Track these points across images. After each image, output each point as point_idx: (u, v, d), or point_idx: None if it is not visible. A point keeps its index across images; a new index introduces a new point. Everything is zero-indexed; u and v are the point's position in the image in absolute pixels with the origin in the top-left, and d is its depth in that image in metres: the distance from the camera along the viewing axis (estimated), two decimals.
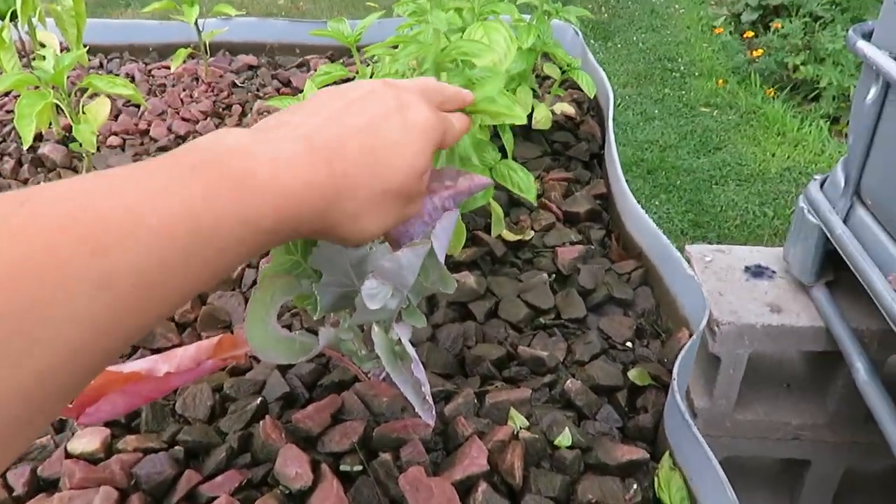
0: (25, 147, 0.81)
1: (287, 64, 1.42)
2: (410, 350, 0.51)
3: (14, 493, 0.52)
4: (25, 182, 0.99)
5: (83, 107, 0.90)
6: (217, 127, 1.13)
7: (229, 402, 0.62)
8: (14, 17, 1.00)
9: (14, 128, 1.13)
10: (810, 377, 1.28)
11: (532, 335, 0.70)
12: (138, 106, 1.18)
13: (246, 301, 0.74)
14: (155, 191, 0.28)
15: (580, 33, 1.29)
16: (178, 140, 1.10)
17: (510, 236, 0.82)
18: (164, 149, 1.08)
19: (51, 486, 0.53)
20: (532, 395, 0.61)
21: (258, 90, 1.27)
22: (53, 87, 0.86)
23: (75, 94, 0.94)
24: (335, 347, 0.57)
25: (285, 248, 0.51)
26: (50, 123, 1.06)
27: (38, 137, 1.11)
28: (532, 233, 0.83)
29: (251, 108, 1.20)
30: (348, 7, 4.78)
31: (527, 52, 1.00)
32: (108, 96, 0.97)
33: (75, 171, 1.02)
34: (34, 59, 0.95)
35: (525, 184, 0.70)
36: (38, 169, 1.03)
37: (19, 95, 1.18)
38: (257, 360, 0.68)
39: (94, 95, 0.98)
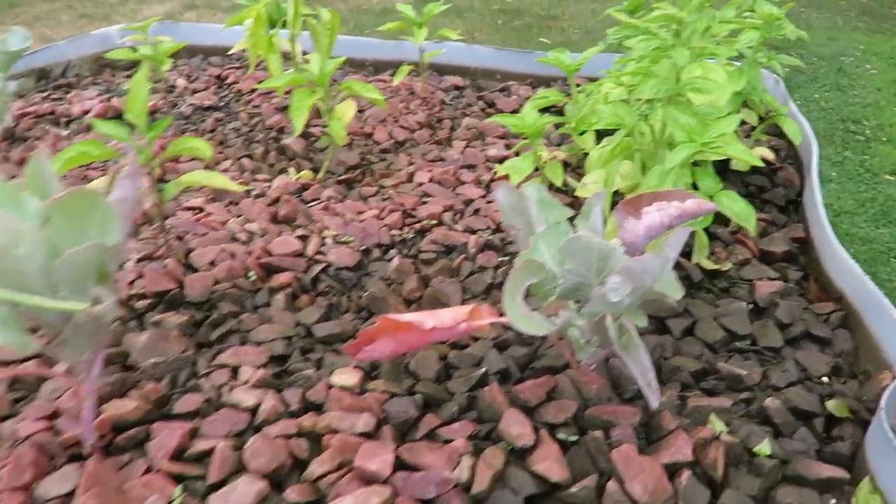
0: (296, 135, 0.95)
1: (489, 87, 1.53)
2: (639, 340, 0.57)
3: (290, 409, 0.64)
4: (272, 167, 1.16)
5: (331, 108, 1.04)
6: (430, 137, 1.26)
7: (452, 370, 0.72)
8: (283, 25, 1.18)
9: (261, 119, 1.31)
10: None
11: (727, 356, 0.75)
12: (362, 111, 1.33)
13: (462, 289, 0.84)
14: None
15: (781, 82, 1.31)
16: (397, 144, 1.24)
17: (708, 265, 0.87)
18: (385, 151, 1.21)
19: (316, 407, 0.64)
20: (730, 407, 0.65)
21: (465, 108, 1.39)
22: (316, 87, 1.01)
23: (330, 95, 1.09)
24: (561, 332, 0.65)
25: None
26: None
27: (280, 130, 1.28)
28: (729, 264, 0.87)
29: (459, 124, 1.32)
30: (521, 42, 4.93)
31: (735, 95, 1.04)
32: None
33: (311, 160, 1.17)
34: (304, 62, 1.10)
35: (744, 213, 0.75)
36: (281, 156, 1.19)
37: (268, 93, 1.37)
38: (475, 339, 0.77)
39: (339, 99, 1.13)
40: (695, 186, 0.82)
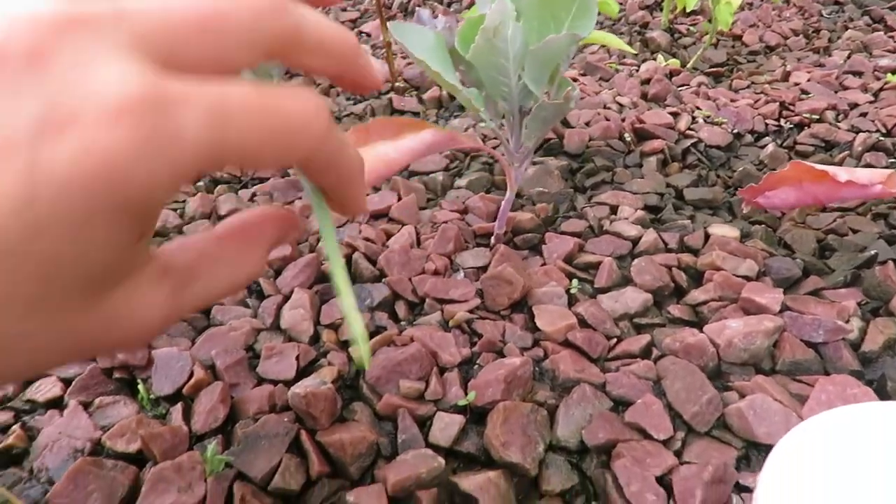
0: (690, 8, 0.96)
1: (875, 5, 1.38)
2: None
3: (668, 246, 0.67)
4: (636, 56, 1.18)
5: None
6: (806, 45, 1.18)
7: (829, 252, 0.69)
8: None
9: (625, 15, 1.33)
10: None
11: None
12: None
13: None
14: None
15: None
16: (767, 48, 1.18)
17: None
18: (754, 52, 1.17)
19: (693, 252, 0.67)
20: None
21: (846, 22, 1.28)
22: None
23: None
24: None
25: None
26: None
27: (644, 25, 1.29)
28: None
29: (839, 36, 1.22)
30: None
31: None
32: None
33: (674, 55, 1.17)
34: None
35: None
36: (645, 48, 1.20)
37: None
38: (854, 231, 0.73)
39: None
40: None
